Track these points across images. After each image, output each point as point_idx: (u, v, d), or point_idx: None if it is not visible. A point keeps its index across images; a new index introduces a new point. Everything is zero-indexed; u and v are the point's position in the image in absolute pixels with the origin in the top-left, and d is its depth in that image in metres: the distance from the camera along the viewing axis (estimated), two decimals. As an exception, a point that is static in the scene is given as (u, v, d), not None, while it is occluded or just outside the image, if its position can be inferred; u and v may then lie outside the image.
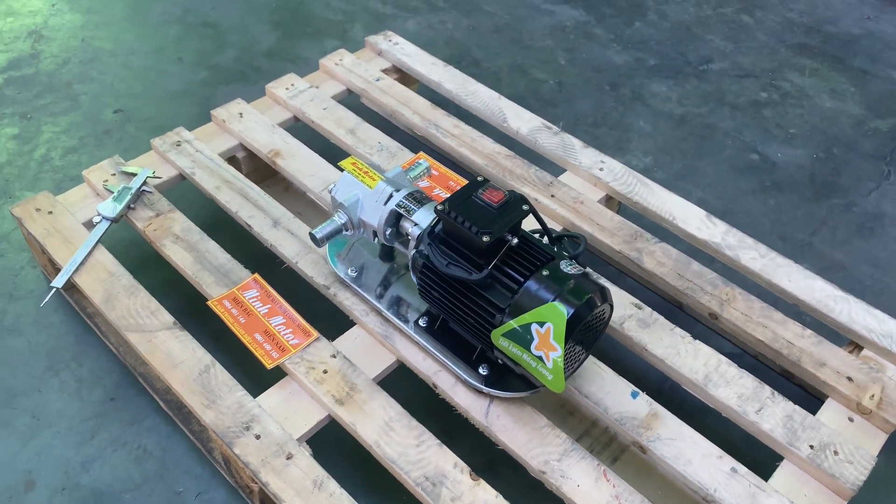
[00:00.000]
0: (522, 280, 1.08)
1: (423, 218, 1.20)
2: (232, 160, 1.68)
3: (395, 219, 1.23)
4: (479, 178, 1.16)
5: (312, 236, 1.26)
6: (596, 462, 1.12)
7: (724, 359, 1.26)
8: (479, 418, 1.16)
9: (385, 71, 1.87)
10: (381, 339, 1.26)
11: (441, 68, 1.85)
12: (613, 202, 1.61)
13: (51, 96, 2.04)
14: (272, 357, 1.22)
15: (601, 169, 1.60)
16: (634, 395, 1.20)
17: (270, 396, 1.19)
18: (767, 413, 1.18)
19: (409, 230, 1.21)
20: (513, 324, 1.06)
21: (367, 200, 1.26)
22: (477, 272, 1.10)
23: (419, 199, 1.23)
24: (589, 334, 1.11)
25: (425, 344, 1.23)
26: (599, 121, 2.08)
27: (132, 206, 1.45)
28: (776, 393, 1.21)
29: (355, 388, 1.19)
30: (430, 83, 1.83)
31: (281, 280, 1.37)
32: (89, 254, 1.36)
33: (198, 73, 2.15)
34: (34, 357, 1.42)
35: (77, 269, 1.34)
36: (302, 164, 1.57)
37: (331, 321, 1.32)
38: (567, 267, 1.09)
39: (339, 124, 1.67)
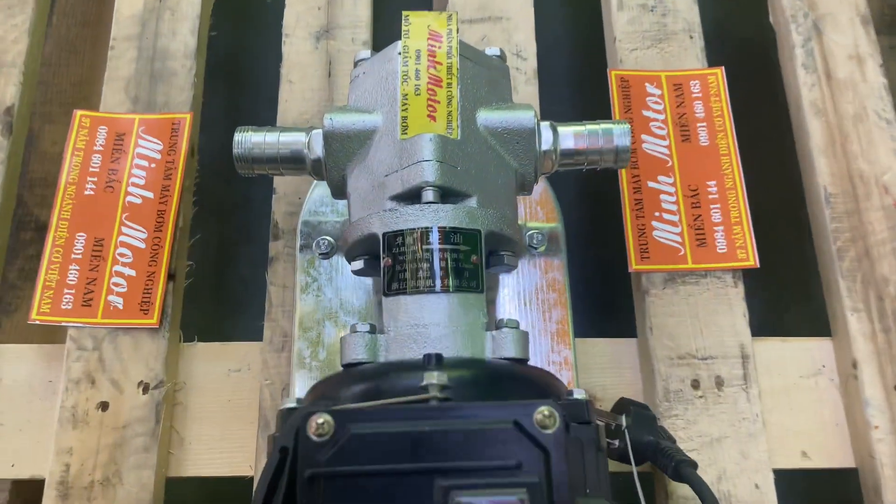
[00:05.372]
0: None
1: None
2: None
3: (375, 243, 0.43)
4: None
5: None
6: None
7: None
8: None
9: None
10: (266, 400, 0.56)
11: None
12: None
13: None
14: (59, 308, 0.58)
15: None
16: None
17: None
18: None
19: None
20: None
21: (374, 166, 0.46)
22: None
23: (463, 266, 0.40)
24: None
25: None
26: None
27: None
28: None
29: (118, 479, 0.54)
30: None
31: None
32: None
33: None
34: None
35: None
36: None
37: (239, 306, 0.62)
38: None
39: None
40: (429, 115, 0.45)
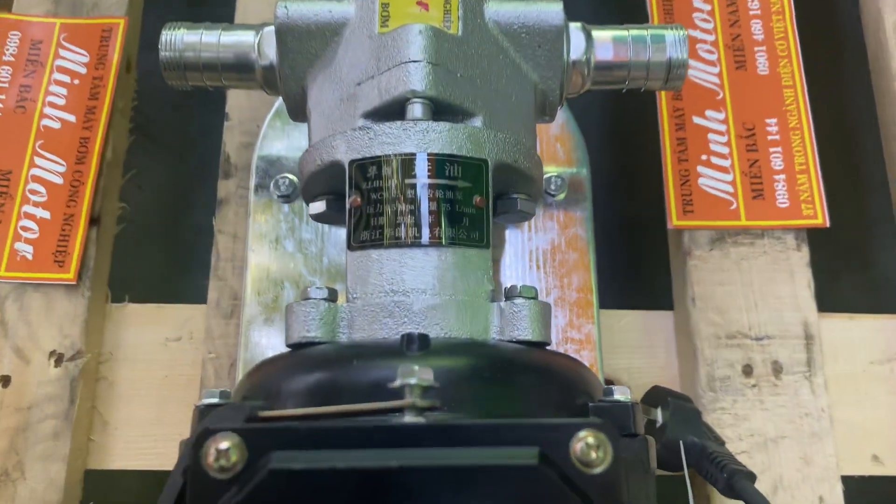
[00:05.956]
0: None
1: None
2: None
3: (340, 175, 0.31)
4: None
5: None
6: None
7: None
8: None
9: None
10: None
11: None
12: None
13: None
14: (-52, 252, 0.46)
15: None
16: None
17: None
18: None
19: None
20: None
21: (342, 72, 0.33)
22: None
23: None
24: None
25: None
26: None
27: None
28: None
29: (19, 472, 0.43)
30: None
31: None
32: None
33: None
34: None
35: None
36: None
37: (184, 260, 0.51)
38: None
39: None
40: (419, 2, 0.32)
